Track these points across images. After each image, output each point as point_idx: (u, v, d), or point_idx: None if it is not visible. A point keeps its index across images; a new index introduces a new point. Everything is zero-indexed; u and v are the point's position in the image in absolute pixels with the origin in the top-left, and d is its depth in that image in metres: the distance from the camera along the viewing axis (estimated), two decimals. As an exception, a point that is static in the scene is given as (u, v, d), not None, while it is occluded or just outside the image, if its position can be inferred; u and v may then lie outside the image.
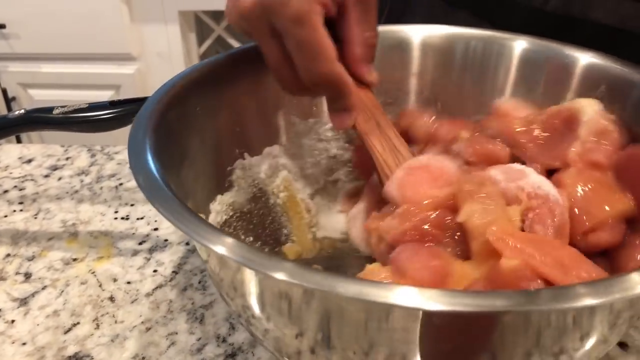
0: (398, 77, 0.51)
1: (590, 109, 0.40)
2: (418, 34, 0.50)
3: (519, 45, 0.49)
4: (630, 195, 0.36)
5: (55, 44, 1.61)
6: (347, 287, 0.25)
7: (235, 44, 1.70)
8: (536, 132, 0.41)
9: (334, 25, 0.41)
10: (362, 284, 0.26)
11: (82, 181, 0.61)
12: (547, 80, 0.48)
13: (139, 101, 0.48)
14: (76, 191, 0.59)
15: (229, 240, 0.28)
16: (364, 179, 0.49)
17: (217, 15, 1.70)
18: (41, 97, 1.70)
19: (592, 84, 0.46)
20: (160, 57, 1.64)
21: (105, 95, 1.67)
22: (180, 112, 0.41)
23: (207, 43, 1.72)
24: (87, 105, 0.47)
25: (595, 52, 0.46)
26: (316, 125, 0.53)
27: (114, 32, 1.58)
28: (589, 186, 0.36)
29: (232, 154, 0.47)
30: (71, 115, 0.47)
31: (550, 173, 0.40)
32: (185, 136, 0.41)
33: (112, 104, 0.47)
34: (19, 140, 1.61)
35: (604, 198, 0.36)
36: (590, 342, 0.31)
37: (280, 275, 0.26)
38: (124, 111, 0.47)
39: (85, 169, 0.63)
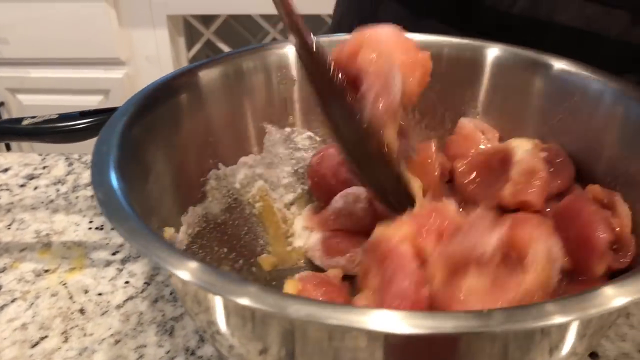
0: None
1: (520, 150, 0.41)
2: None
3: (492, 52, 0.48)
4: (567, 247, 0.36)
5: (44, 49, 1.60)
6: (300, 311, 0.25)
7: (225, 47, 1.69)
8: (474, 174, 0.42)
9: None
10: (318, 306, 0.25)
11: (58, 190, 0.60)
12: (521, 89, 0.48)
13: (110, 111, 0.48)
14: (51, 201, 0.59)
15: (190, 263, 0.28)
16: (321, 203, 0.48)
17: (206, 20, 1.69)
18: (30, 102, 1.69)
19: (565, 93, 0.46)
20: (149, 61, 1.64)
21: (95, 100, 1.66)
22: (148, 124, 0.40)
23: (197, 47, 1.72)
24: (57, 115, 0.47)
25: (567, 59, 0.46)
26: (293, 134, 0.52)
27: (103, 37, 1.58)
28: None
29: (205, 165, 0.47)
30: (41, 126, 0.47)
31: None
32: (153, 148, 0.40)
33: (82, 115, 0.47)
34: (8, 148, 1.60)
35: None
36: (559, 355, 0.31)
37: (244, 301, 0.26)
38: (94, 121, 0.47)
39: (61, 178, 0.62)
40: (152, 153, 0.40)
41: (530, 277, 0.32)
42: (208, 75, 0.45)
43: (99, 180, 0.33)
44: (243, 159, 0.50)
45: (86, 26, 1.56)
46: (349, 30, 0.61)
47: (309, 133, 0.53)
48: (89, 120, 0.47)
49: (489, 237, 0.33)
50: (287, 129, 0.52)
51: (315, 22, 1.64)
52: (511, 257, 0.34)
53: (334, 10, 0.66)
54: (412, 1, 0.55)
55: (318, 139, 0.53)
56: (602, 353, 0.42)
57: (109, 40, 1.59)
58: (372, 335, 0.27)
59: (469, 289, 0.32)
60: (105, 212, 0.31)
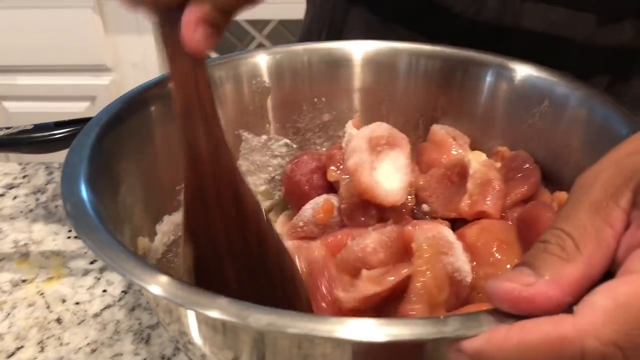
0: (342, 93, 0.51)
1: (475, 163, 0.42)
2: (359, 50, 0.50)
3: (463, 59, 0.49)
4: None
5: (30, 56, 1.60)
6: (261, 320, 0.26)
7: (212, 53, 1.69)
8: (435, 188, 0.43)
9: None
10: (278, 315, 0.26)
11: (37, 200, 0.60)
12: (491, 95, 0.49)
13: (85, 121, 0.48)
14: (31, 210, 0.59)
15: (159, 277, 0.28)
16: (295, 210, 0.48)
17: (192, 25, 1.69)
18: (16, 109, 1.68)
19: (534, 99, 0.47)
20: (136, 67, 1.64)
21: (81, 107, 1.66)
22: (120, 135, 0.41)
23: (183, 53, 1.72)
24: (33, 126, 0.47)
25: (536, 65, 0.46)
26: (270, 142, 0.52)
27: (88, 43, 1.58)
28: (490, 245, 0.38)
29: (180, 173, 0.47)
30: (16, 136, 0.47)
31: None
32: (125, 158, 0.40)
33: (57, 125, 0.47)
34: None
35: (504, 258, 0.37)
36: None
37: (214, 314, 0.26)
38: (69, 132, 0.47)
39: (41, 187, 0.62)
40: (124, 163, 0.40)
41: (416, 263, 0.35)
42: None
43: (68, 192, 0.34)
44: None
45: (72, 33, 1.56)
46: (319, 36, 0.62)
47: (286, 140, 0.53)
48: (65, 130, 0.48)
49: (369, 238, 0.37)
50: (264, 137, 0.52)
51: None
52: (405, 252, 0.36)
53: (304, 16, 0.67)
54: (381, 8, 0.55)
55: (295, 146, 0.53)
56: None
57: (95, 46, 1.58)
58: (333, 342, 0.28)
59: (363, 277, 0.35)
60: (74, 225, 0.31)
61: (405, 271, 0.34)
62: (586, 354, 0.22)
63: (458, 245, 0.37)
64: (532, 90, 0.47)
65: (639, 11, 0.49)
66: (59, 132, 0.47)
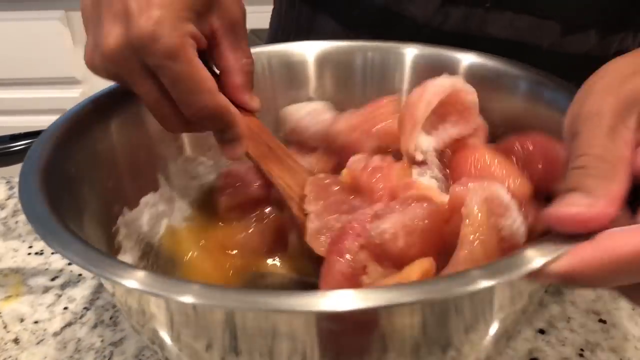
0: (300, 95, 0.51)
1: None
2: (313, 50, 0.50)
3: (411, 52, 0.49)
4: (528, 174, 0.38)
5: (-3, 69, 1.57)
6: (263, 301, 0.25)
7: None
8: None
9: (208, 57, 0.40)
10: (276, 296, 0.26)
11: (-3, 216, 0.58)
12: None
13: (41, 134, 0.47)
14: (-10, 227, 0.57)
15: (130, 271, 0.27)
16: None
17: (163, 36, 1.68)
18: (-16, 124, 1.65)
19: (479, 82, 0.46)
20: (105, 79, 1.62)
21: (51, 121, 1.63)
22: (61, 177, 0.39)
23: (155, 64, 1.70)
24: (-14, 139, 0.46)
25: (477, 52, 0.47)
26: (186, 163, 0.49)
27: (57, 56, 1.55)
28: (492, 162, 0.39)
29: (112, 212, 0.42)
30: (-31, 150, 0.45)
31: None
32: (75, 200, 0.38)
33: (13, 138, 0.46)
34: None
35: (505, 172, 0.38)
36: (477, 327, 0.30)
37: (188, 299, 0.26)
38: (26, 144, 0.46)
39: (1, 203, 0.60)
40: (80, 202, 0.38)
41: (464, 231, 0.32)
42: (103, 108, 0.47)
43: (28, 202, 0.32)
44: (144, 199, 0.45)
45: (39, 46, 1.53)
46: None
47: (202, 158, 0.49)
48: (21, 143, 0.46)
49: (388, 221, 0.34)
50: (180, 159, 0.48)
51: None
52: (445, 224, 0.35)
53: (269, 24, 0.66)
54: (346, 17, 0.55)
55: (211, 162, 0.50)
56: (542, 358, 0.42)
57: (63, 59, 1.56)
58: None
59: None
60: (40, 233, 0.30)
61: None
62: None
63: (514, 206, 0.34)
64: (470, 72, 0.46)
65: (602, 20, 0.49)
66: (15, 145, 0.46)
